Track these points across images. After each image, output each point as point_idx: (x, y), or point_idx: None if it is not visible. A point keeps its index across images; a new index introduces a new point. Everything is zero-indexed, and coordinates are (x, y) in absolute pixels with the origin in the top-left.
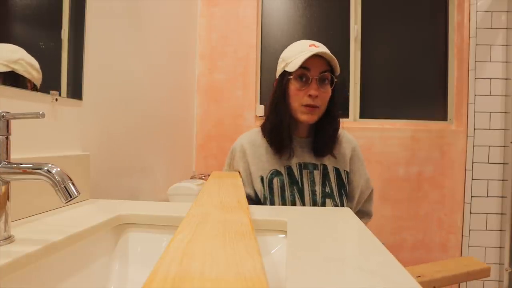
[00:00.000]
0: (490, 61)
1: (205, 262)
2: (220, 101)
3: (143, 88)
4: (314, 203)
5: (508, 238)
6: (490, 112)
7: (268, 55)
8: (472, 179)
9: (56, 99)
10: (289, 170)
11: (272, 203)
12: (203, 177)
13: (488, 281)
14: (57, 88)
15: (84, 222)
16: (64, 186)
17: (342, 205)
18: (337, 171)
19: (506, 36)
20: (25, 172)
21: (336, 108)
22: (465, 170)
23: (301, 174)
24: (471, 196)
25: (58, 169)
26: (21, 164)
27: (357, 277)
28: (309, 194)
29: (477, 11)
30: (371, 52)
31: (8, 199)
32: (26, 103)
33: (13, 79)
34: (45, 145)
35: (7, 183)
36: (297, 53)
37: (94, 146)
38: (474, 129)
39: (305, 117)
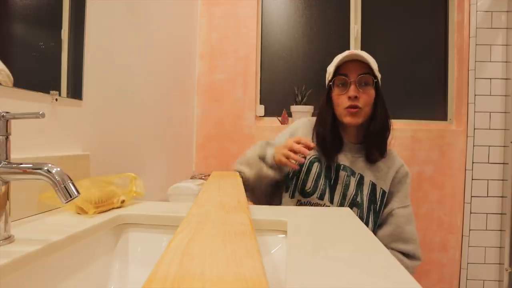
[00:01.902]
0: (490, 61)
1: (205, 262)
2: (220, 101)
3: (143, 88)
4: (341, 206)
5: (508, 238)
6: (490, 112)
7: (268, 55)
8: (472, 179)
9: (56, 99)
10: (328, 165)
11: (304, 184)
12: (203, 177)
13: (488, 281)
14: (57, 88)
15: (84, 222)
16: (64, 186)
17: (368, 220)
18: (372, 186)
19: (506, 36)
20: (25, 172)
21: (381, 110)
22: (465, 170)
23: (337, 173)
24: (471, 196)
25: (58, 169)
26: (21, 164)
27: (357, 277)
28: (340, 195)
29: (477, 11)
30: (371, 52)
31: (8, 199)
32: (26, 103)
33: None
34: (45, 145)
35: (7, 183)
36: (335, 62)
37: (94, 146)
38: (474, 129)
39: (348, 119)
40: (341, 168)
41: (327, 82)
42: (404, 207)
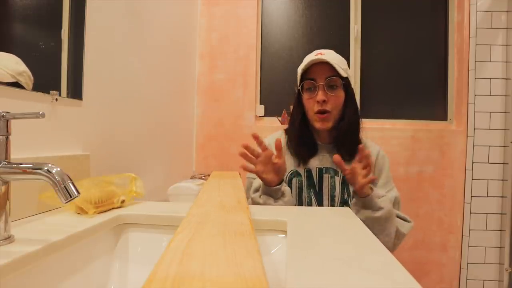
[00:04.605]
0: (490, 61)
1: (205, 262)
2: (220, 101)
3: (143, 88)
4: None
5: (508, 238)
6: (490, 112)
7: (268, 55)
8: (472, 179)
9: (56, 99)
10: (309, 173)
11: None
12: (203, 177)
13: (488, 281)
14: (57, 88)
15: (84, 222)
16: (64, 186)
17: None
18: None
19: (506, 36)
20: (25, 172)
21: (351, 110)
22: (465, 170)
23: (320, 178)
24: (471, 196)
25: (58, 169)
26: (21, 164)
27: (357, 277)
28: (328, 199)
29: (477, 11)
30: (371, 52)
31: (8, 199)
32: (26, 103)
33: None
34: (45, 145)
35: (7, 183)
36: (304, 65)
37: (94, 146)
38: (474, 129)
39: (319, 124)
40: (324, 171)
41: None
42: (389, 191)
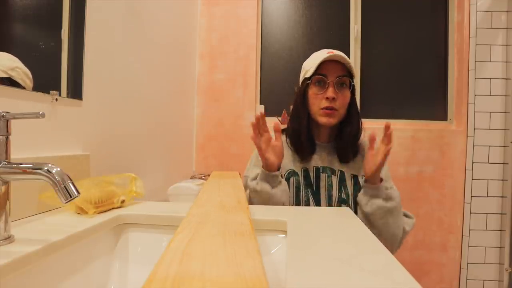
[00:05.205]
0: (490, 61)
1: (205, 262)
2: (220, 101)
3: (143, 88)
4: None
5: (508, 238)
6: (490, 112)
7: (268, 55)
8: (472, 179)
9: (56, 99)
10: (306, 172)
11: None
12: (203, 177)
13: (488, 281)
14: (57, 88)
15: (84, 222)
16: (64, 186)
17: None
18: (355, 178)
19: (506, 36)
20: (25, 172)
21: (355, 112)
22: (465, 170)
23: (317, 178)
24: (471, 196)
25: (58, 169)
26: (21, 164)
27: (357, 277)
28: (326, 198)
29: (477, 11)
30: (371, 52)
31: (8, 199)
32: (26, 103)
33: (9, 85)
34: (45, 145)
35: (7, 183)
36: (315, 61)
37: (94, 146)
38: (474, 129)
39: (324, 120)
40: (321, 170)
41: (301, 78)
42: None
